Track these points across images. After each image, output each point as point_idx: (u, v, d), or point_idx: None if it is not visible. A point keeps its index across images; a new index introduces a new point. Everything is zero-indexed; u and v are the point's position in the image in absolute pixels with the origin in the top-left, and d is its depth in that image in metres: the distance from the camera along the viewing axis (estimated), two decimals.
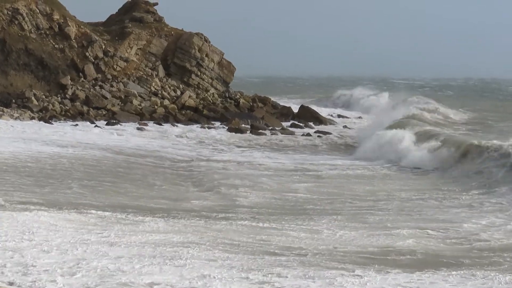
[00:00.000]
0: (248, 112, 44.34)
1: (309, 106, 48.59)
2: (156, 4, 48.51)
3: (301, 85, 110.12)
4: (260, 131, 38.88)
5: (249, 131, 38.89)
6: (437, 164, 26.48)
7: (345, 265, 12.80)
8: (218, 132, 38.10)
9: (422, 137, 30.21)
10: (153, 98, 43.57)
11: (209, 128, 39.62)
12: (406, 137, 29.95)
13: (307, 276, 11.91)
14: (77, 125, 37.80)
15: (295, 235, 15.10)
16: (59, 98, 41.77)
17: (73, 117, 39.84)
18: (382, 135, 30.88)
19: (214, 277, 11.64)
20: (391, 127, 32.91)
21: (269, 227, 15.90)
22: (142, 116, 41.15)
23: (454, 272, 12.48)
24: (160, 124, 39.93)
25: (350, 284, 11.55)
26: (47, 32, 43.75)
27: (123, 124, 38.97)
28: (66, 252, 12.75)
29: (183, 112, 43.02)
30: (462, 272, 12.53)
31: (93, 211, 16.42)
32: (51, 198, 18.03)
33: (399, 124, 33.69)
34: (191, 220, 16.19)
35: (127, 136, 34.65)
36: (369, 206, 19.07)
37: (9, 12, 43.08)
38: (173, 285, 11.22)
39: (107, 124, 38.54)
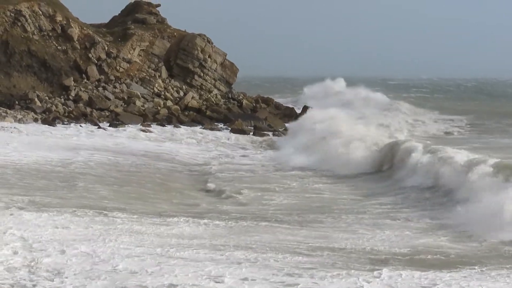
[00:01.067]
0: (251, 113, 44.35)
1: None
2: (158, 5, 48.55)
3: (299, 86, 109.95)
4: (264, 132, 38.88)
5: (252, 132, 38.87)
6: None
7: (373, 266, 12.86)
8: (225, 134, 37.99)
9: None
10: (156, 99, 43.57)
11: (212, 129, 39.56)
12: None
13: (335, 275, 12.01)
14: (81, 126, 37.76)
15: (326, 235, 15.25)
16: (62, 99, 41.73)
17: (76, 119, 39.73)
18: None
19: (239, 278, 11.72)
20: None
21: (297, 228, 16.00)
22: (145, 117, 41.06)
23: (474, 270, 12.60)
24: (163, 125, 39.90)
25: (375, 284, 11.62)
26: (50, 34, 43.74)
27: (127, 125, 38.87)
28: (86, 254, 12.83)
29: (186, 113, 42.99)
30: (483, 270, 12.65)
31: (121, 214, 16.54)
32: (84, 202, 18.16)
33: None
34: (218, 222, 16.33)
35: (135, 139, 34.47)
36: (393, 203, 19.29)
37: (12, 14, 43.07)
38: (198, 285, 11.30)
39: (110, 126, 38.48)
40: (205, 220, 16.39)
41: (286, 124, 40.87)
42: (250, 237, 14.80)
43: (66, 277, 11.48)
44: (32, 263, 12.07)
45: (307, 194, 21.20)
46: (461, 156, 21.98)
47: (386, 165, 25.33)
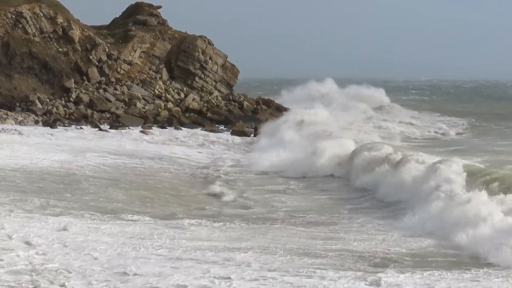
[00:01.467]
0: (252, 115, 44.37)
1: None
2: (159, 7, 48.60)
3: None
4: None
5: (253, 134, 38.86)
6: None
7: (382, 267, 12.89)
8: (228, 136, 37.79)
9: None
10: (157, 101, 43.59)
11: (213, 131, 39.49)
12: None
13: (343, 277, 12.04)
14: (82, 128, 37.77)
15: (337, 237, 15.33)
16: (63, 101, 41.76)
17: (77, 121, 39.71)
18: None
19: (249, 279, 11.75)
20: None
21: (310, 230, 16.07)
22: (146, 119, 41.07)
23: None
24: (164, 127, 39.88)
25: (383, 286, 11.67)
26: (51, 36, 43.78)
27: (127, 127, 38.81)
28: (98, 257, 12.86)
29: (187, 115, 43.01)
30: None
31: (132, 217, 16.61)
32: (93, 205, 18.17)
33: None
34: (230, 224, 16.42)
35: (141, 142, 34.35)
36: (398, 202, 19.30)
37: (13, 16, 43.10)
38: (206, 286, 11.35)
39: (111, 128, 38.49)
40: (217, 224, 16.46)
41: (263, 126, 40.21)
42: (262, 239, 14.87)
43: (72, 280, 11.45)
44: (37, 267, 12.06)
45: (316, 196, 21.29)
46: (430, 159, 21.75)
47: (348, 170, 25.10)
